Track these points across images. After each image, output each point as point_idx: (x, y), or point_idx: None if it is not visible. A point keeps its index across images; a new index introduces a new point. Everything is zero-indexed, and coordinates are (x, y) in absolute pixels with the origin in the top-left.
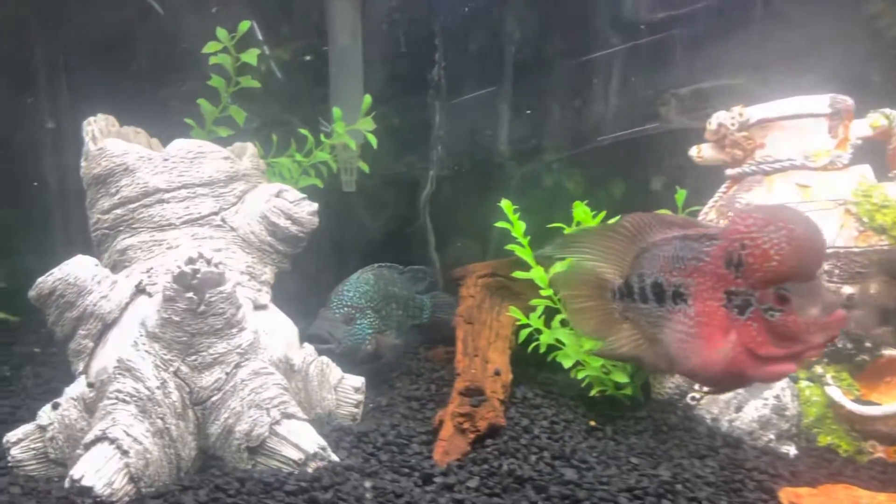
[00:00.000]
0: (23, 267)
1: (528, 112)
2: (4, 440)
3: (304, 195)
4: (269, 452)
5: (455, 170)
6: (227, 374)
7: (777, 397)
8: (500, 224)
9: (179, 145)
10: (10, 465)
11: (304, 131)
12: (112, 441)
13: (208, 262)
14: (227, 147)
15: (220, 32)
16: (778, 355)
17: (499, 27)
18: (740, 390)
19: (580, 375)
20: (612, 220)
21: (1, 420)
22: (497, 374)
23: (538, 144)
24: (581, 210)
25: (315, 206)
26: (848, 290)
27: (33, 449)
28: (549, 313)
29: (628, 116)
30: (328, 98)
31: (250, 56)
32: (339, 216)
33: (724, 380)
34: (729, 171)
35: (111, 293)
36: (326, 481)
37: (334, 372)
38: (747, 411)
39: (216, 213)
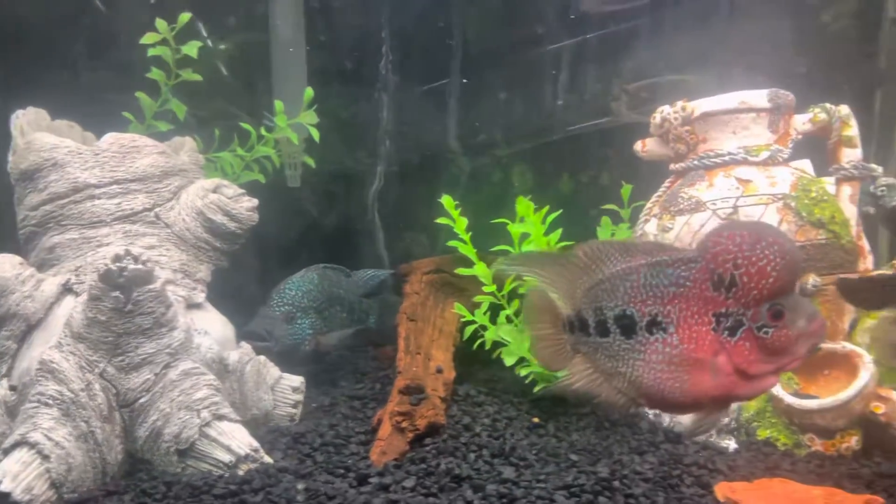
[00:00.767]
0: None
1: (478, 106)
2: None
3: (243, 191)
4: (200, 455)
5: (404, 165)
6: (156, 374)
7: None
8: (441, 220)
9: (112, 139)
10: None
11: (245, 125)
12: (32, 446)
13: (136, 259)
14: (165, 142)
15: (160, 24)
16: (768, 371)
17: (448, 20)
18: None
19: (524, 372)
20: (563, 245)
21: None
22: (439, 371)
23: (489, 139)
24: (524, 205)
25: (254, 201)
26: None
27: None
28: (495, 310)
29: (579, 111)
30: (272, 91)
31: (191, 48)
32: (284, 212)
33: (713, 404)
34: (673, 166)
35: (36, 293)
36: (257, 483)
37: (272, 372)
38: None
39: (150, 210)
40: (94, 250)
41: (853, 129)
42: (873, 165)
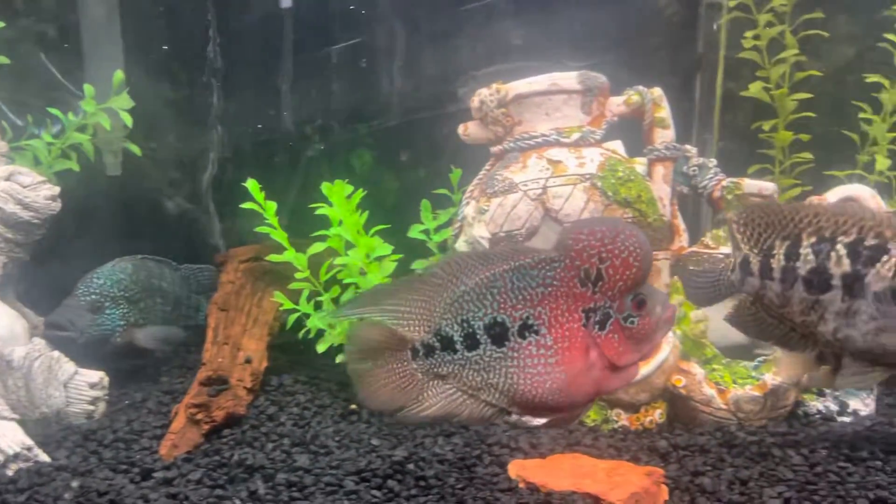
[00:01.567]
0: None
1: (315, 90)
2: None
3: (44, 178)
4: None
5: (239, 151)
6: None
7: None
8: (246, 205)
9: None
10: None
11: (54, 111)
12: None
13: None
14: None
15: None
16: (634, 360)
17: (277, 2)
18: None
19: (339, 359)
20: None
21: None
22: (248, 361)
23: (325, 124)
24: (329, 189)
25: (56, 190)
26: None
27: None
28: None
29: (421, 96)
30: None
31: None
32: (109, 202)
33: (588, 401)
34: (493, 149)
35: None
36: (24, 483)
37: (65, 368)
38: None
39: None
40: None
41: (665, 111)
42: (688, 146)
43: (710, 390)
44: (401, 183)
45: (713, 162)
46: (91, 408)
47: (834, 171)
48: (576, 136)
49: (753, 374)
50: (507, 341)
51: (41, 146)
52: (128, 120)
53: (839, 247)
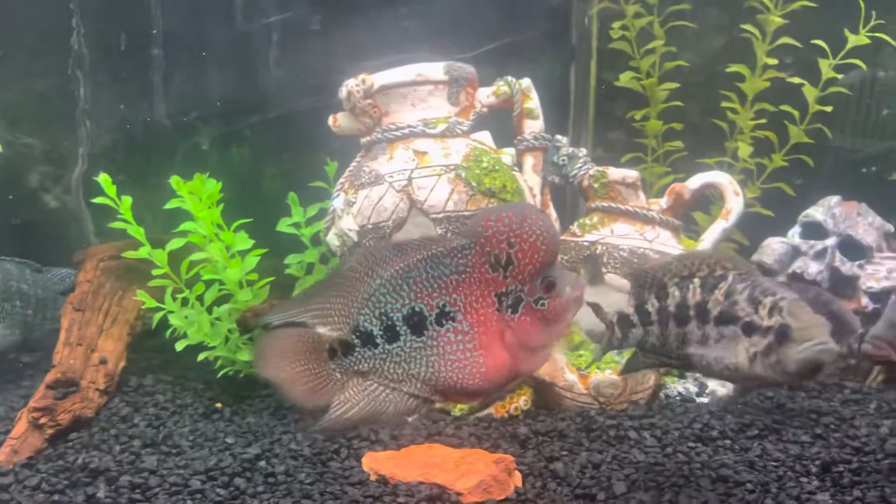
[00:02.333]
0: None
1: (191, 82)
2: None
3: None
4: None
5: (111, 146)
6: None
7: None
8: (98, 200)
9: None
10: None
11: None
12: None
13: None
14: None
15: None
16: (546, 341)
17: None
18: None
19: (201, 357)
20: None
21: None
22: (103, 362)
23: (202, 116)
24: (181, 185)
25: None
26: None
27: None
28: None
29: (302, 89)
30: None
31: None
32: None
33: (506, 384)
34: (362, 140)
35: None
36: None
37: None
38: None
39: None
40: None
41: (534, 101)
42: (558, 136)
43: (571, 376)
44: (278, 176)
45: (583, 151)
46: None
47: (704, 160)
48: (441, 126)
49: (617, 358)
50: (425, 330)
51: None
52: None
53: (696, 280)
